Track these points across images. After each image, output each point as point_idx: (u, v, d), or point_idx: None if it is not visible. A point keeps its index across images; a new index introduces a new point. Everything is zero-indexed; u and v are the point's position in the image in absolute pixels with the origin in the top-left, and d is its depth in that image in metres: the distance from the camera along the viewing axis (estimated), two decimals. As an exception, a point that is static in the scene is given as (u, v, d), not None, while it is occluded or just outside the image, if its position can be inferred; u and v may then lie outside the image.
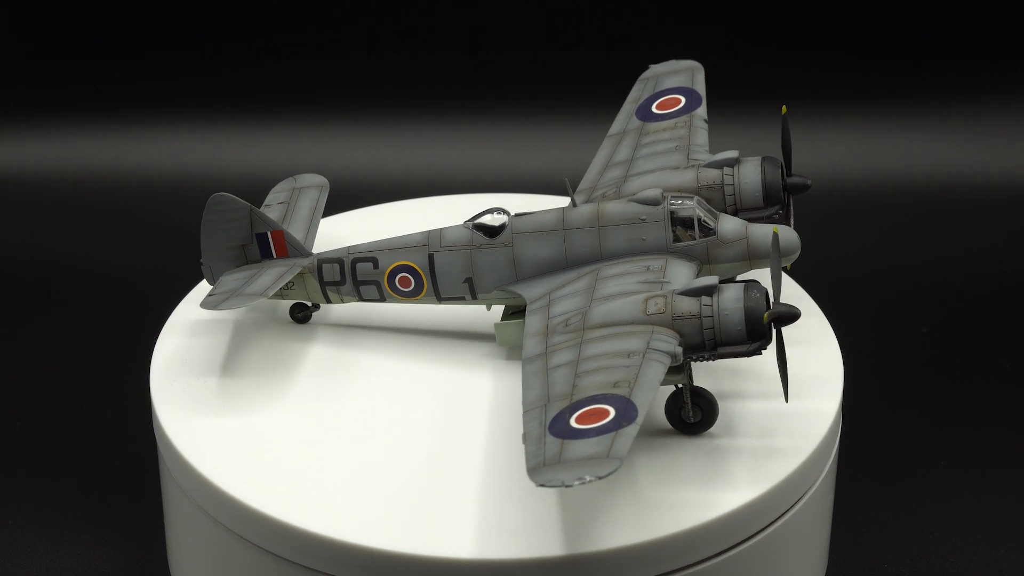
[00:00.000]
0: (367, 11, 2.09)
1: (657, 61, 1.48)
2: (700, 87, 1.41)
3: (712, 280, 1.14)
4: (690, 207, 1.20)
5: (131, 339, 1.56)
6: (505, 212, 1.26)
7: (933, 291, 1.84)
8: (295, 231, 1.36)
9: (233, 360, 1.31)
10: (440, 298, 1.28)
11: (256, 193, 1.89)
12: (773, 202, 1.26)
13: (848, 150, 2.06)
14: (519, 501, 1.12)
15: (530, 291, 1.23)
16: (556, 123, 2.10)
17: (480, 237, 1.25)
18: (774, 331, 1.13)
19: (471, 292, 1.27)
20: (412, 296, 1.29)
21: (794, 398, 1.24)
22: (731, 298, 1.12)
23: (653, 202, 1.21)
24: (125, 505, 1.46)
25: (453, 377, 1.27)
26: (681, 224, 1.21)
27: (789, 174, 1.28)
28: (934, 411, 1.62)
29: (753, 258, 1.20)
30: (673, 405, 1.18)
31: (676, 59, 1.46)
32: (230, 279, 1.30)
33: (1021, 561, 1.40)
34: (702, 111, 1.38)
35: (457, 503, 1.12)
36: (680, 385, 1.16)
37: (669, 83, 1.43)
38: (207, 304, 1.26)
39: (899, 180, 2.04)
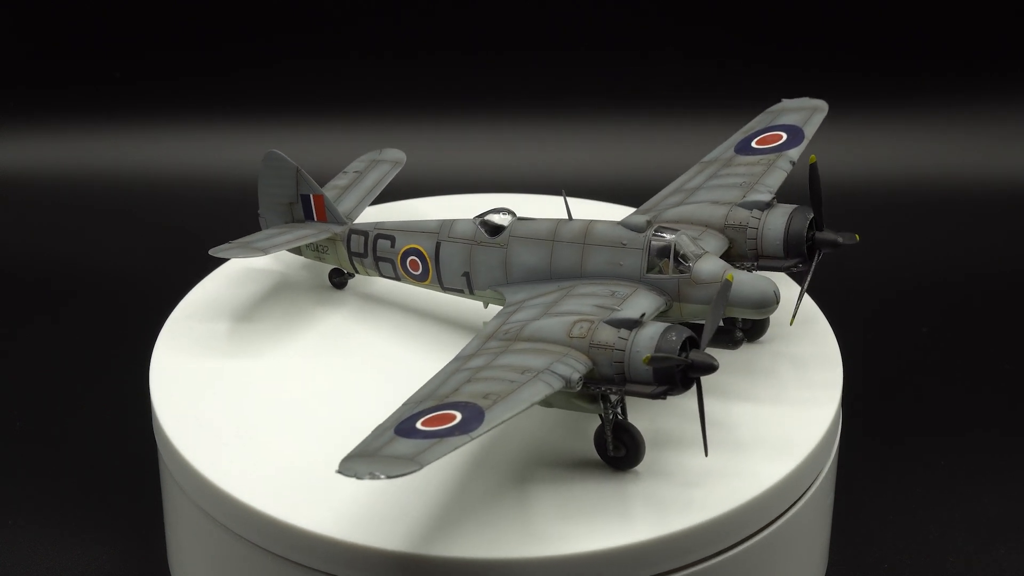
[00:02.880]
0: (367, 11, 2.09)
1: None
2: (811, 127, 1.37)
3: (635, 314, 1.11)
4: (668, 241, 1.17)
5: (131, 339, 1.56)
6: (511, 214, 1.26)
7: (933, 291, 1.84)
8: (350, 200, 1.42)
9: (247, 312, 1.38)
10: (443, 287, 1.29)
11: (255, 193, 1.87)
12: (794, 254, 1.22)
13: (848, 150, 2.06)
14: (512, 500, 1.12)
15: (513, 295, 1.22)
16: (556, 123, 2.10)
17: (482, 234, 1.26)
18: (695, 380, 1.09)
19: (468, 287, 1.28)
20: (420, 280, 1.31)
21: (795, 398, 1.24)
22: (646, 336, 1.08)
23: (637, 228, 1.19)
24: (125, 505, 1.46)
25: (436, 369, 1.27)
26: (658, 256, 1.17)
27: (820, 228, 1.23)
28: (934, 411, 1.61)
29: (727, 303, 1.14)
30: (599, 437, 1.15)
31: (808, 97, 1.42)
32: (264, 232, 1.38)
33: (1021, 561, 1.40)
34: (795, 152, 1.33)
35: (448, 500, 1.13)
36: (602, 416, 1.13)
37: (784, 119, 1.39)
38: (214, 250, 1.33)
39: (899, 180, 2.04)
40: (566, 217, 1.25)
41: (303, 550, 1.11)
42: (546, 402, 1.12)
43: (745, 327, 1.25)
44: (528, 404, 1.05)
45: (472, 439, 1.01)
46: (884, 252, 1.92)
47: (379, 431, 1.04)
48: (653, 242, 1.18)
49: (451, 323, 1.34)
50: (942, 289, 1.84)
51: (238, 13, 2.09)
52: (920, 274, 1.87)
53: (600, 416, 1.13)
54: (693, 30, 2.08)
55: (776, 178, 1.30)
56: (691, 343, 1.09)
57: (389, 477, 0.98)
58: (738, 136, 1.39)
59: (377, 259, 1.33)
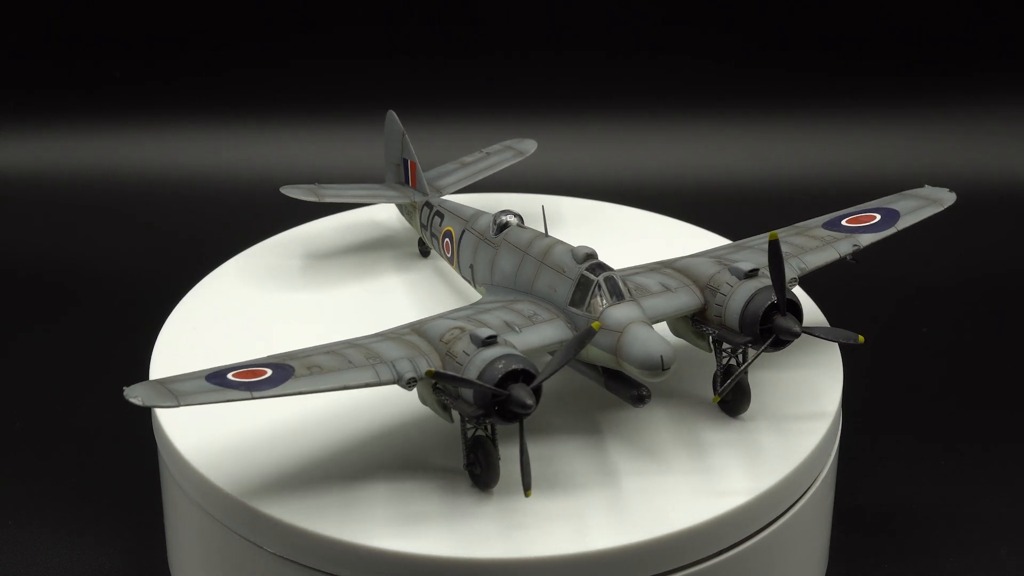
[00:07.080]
0: (368, 12, 2.09)
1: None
2: (911, 217, 1.31)
3: (487, 332, 1.09)
4: (591, 280, 1.14)
5: (131, 339, 1.56)
6: (518, 217, 1.26)
7: (933, 291, 1.84)
8: (454, 176, 1.49)
9: (288, 279, 1.44)
10: (461, 274, 1.31)
11: (256, 194, 1.89)
12: (747, 332, 1.15)
13: (848, 150, 2.06)
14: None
15: (488, 296, 1.23)
16: (556, 123, 2.11)
17: (490, 231, 1.26)
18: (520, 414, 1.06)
19: (472, 279, 1.28)
20: (450, 263, 1.33)
21: (796, 398, 1.24)
22: (481, 358, 1.07)
23: (577, 259, 1.16)
24: (125, 505, 1.46)
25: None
26: (582, 291, 1.14)
27: (783, 312, 1.14)
28: (934, 412, 1.61)
29: (619, 356, 1.11)
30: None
31: (949, 189, 1.37)
32: (347, 184, 1.47)
33: (1021, 561, 1.40)
34: (867, 237, 1.28)
35: (452, 503, 1.13)
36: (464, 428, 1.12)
37: (898, 204, 1.34)
38: (284, 188, 1.43)
39: (899, 180, 2.04)
40: (559, 233, 1.25)
41: (303, 550, 1.11)
42: (422, 398, 1.13)
43: (728, 398, 1.20)
44: (340, 385, 1.07)
45: (253, 398, 1.04)
46: (884, 252, 1.92)
47: (200, 371, 1.07)
48: (582, 277, 1.15)
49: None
50: (942, 289, 1.84)
51: (238, 14, 2.09)
52: (920, 274, 1.87)
53: (463, 427, 1.11)
54: (694, 30, 2.08)
55: (819, 258, 1.24)
56: (525, 377, 1.06)
57: (145, 404, 1.03)
58: (848, 210, 1.33)
59: (431, 234, 1.37)
